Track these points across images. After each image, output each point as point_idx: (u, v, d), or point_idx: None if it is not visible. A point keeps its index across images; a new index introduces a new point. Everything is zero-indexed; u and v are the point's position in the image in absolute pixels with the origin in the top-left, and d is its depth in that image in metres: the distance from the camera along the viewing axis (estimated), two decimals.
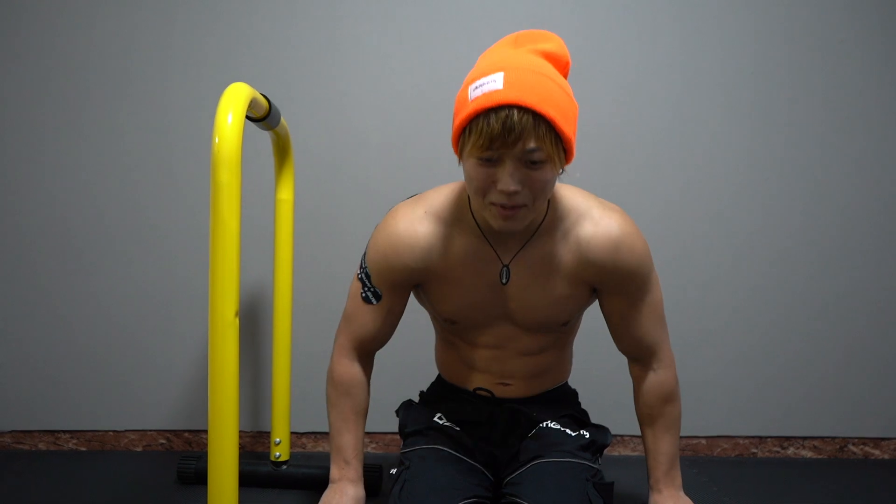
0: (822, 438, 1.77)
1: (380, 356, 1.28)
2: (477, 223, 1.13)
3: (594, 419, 1.35)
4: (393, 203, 1.65)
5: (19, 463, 1.65)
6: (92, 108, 1.68)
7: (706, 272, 1.74)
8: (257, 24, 1.68)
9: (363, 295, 1.19)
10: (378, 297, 1.18)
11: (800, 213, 1.73)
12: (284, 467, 1.50)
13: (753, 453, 1.77)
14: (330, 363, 1.25)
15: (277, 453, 1.49)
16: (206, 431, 1.73)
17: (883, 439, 1.77)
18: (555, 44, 1.04)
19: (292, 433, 1.69)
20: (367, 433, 1.73)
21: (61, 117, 1.68)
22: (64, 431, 1.74)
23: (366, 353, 1.25)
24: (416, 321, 1.39)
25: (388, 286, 1.18)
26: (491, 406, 1.27)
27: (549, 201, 1.12)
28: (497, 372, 1.25)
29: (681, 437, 1.71)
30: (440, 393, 1.35)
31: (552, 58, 1.03)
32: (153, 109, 1.69)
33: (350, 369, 1.23)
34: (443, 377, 1.36)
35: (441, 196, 1.16)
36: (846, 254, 1.74)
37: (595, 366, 1.62)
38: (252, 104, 1.05)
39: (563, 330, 1.25)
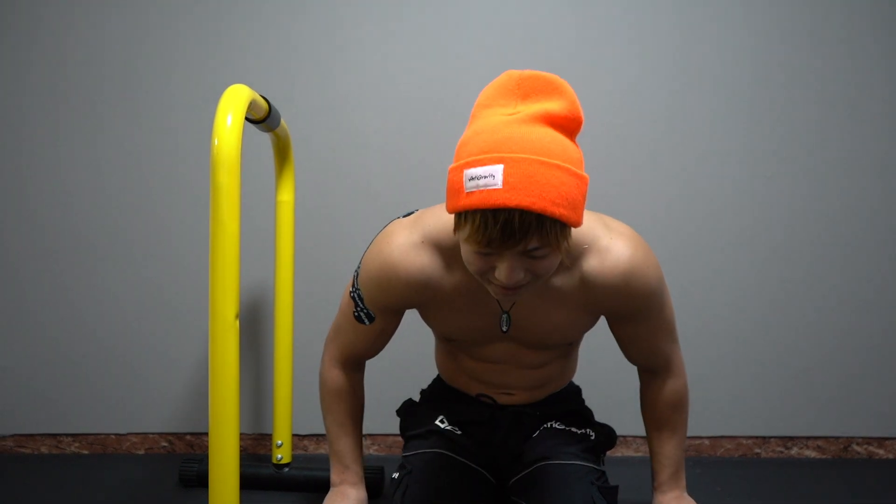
0: (825, 438, 1.76)
1: (380, 356, 1.28)
2: None
3: (598, 419, 1.34)
4: (393, 204, 1.65)
5: (21, 467, 1.65)
6: (91, 110, 1.68)
7: (708, 272, 1.73)
8: (257, 26, 1.67)
9: (355, 314, 1.16)
10: (371, 318, 1.15)
11: (803, 213, 1.72)
12: (286, 470, 1.50)
13: (757, 453, 1.76)
14: (321, 370, 1.25)
15: (279, 456, 1.49)
16: (207, 434, 1.73)
17: (887, 439, 1.76)
18: (563, 102, 0.89)
19: (294, 435, 1.69)
20: (369, 435, 1.73)
21: (60, 119, 1.68)
22: (66, 435, 1.74)
23: (357, 364, 1.25)
24: (416, 321, 1.38)
25: (380, 310, 1.14)
26: (493, 409, 1.27)
27: None
28: (499, 384, 1.24)
29: None
30: (442, 393, 1.34)
31: (559, 122, 0.89)
32: (152, 111, 1.68)
33: (341, 377, 1.23)
34: (443, 378, 1.36)
35: (441, 222, 1.06)
36: (850, 253, 1.73)
37: (598, 366, 1.62)
38: (251, 106, 1.04)
39: (567, 347, 1.24)
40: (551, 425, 1.26)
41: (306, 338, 1.66)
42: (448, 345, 1.26)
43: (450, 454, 1.21)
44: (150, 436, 1.74)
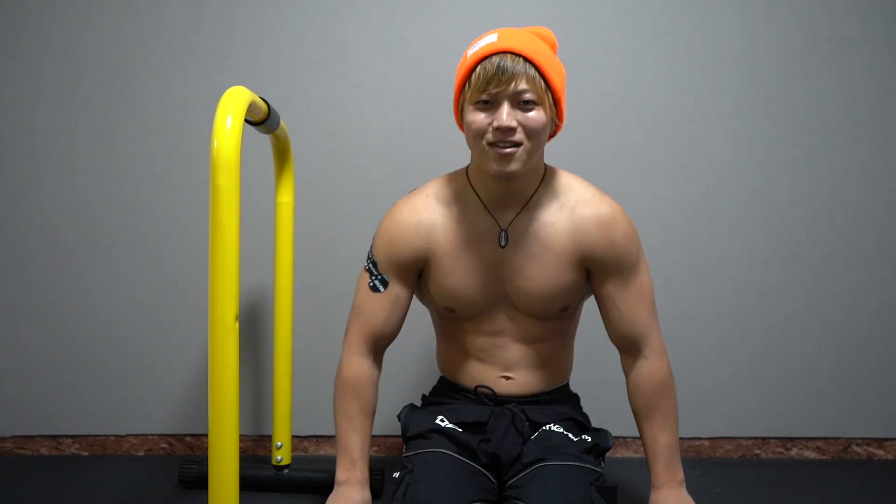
0: (825, 439, 1.76)
1: (383, 359, 1.28)
2: (476, 194, 1.20)
3: (595, 421, 1.34)
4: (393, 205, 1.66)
5: (21, 468, 1.65)
6: (90, 112, 1.68)
7: (708, 274, 1.73)
8: (256, 28, 1.68)
9: (370, 284, 1.23)
10: (385, 283, 1.23)
11: (802, 215, 1.72)
12: (286, 471, 1.50)
13: (757, 454, 1.77)
14: (340, 361, 1.26)
15: (279, 457, 1.49)
16: (207, 435, 1.73)
17: (887, 440, 1.76)
18: (544, 30, 1.16)
19: (294, 437, 1.69)
20: None
21: (60, 121, 1.68)
22: (66, 436, 1.74)
23: (376, 349, 1.26)
24: (417, 323, 1.39)
25: (394, 271, 1.22)
26: (493, 403, 1.27)
27: (545, 174, 1.21)
28: (498, 362, 1.26)
29: (683, 439, 1.71)
30: (442, 394, 1.35)
31: (542, 37, 1.15)
32: (152, 113, 1.69)
33: (359, 367, 1.24)
34: (444, 377, 1.37)
35: (440, 181, 1.26)
36: (849, 254, 1.73)
37: (595, 367, 1.62)
38: (251, 107, 1.04)
39: (562, 317, 1.26)
40: (550, 428, 1.27)
41: (306, 339, 1.67)
42: (448, 323, 1.29)
43: (450, 454, 1.21)
44: (150, 437, 1.74)
